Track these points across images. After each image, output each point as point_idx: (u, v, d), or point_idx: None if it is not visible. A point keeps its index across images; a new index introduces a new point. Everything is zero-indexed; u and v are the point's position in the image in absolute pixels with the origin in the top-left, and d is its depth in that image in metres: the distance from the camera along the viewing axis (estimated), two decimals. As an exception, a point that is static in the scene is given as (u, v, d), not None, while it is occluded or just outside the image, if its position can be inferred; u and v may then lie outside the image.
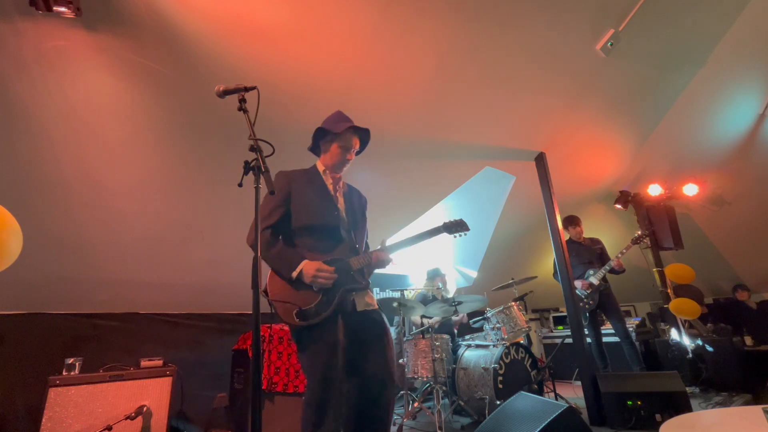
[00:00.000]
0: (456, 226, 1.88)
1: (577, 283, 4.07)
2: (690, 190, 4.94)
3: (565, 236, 4.01)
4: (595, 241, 4.41)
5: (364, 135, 1.87)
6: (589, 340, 4.18)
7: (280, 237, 1.72)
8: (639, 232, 4.25)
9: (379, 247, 1.78)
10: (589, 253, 4.27)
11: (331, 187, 1.82)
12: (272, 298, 1.57)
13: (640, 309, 6.62)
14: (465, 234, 1.90)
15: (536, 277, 4.32)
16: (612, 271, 4.10)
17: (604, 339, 4.15)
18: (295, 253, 1.64)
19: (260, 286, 1.29)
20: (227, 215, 3.11)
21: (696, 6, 3.07)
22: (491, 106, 3.37)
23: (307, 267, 1.57)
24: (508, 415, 2.23)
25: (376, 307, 1.77)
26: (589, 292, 4.07)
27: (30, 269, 2.62)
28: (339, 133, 1.76)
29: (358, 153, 1.88)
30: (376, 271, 1.86)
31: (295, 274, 1.56)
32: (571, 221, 4.40)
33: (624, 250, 4.06)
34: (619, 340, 4.10)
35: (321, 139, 1.84)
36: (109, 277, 3.11)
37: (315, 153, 1.91)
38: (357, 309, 1.67)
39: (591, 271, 4.13)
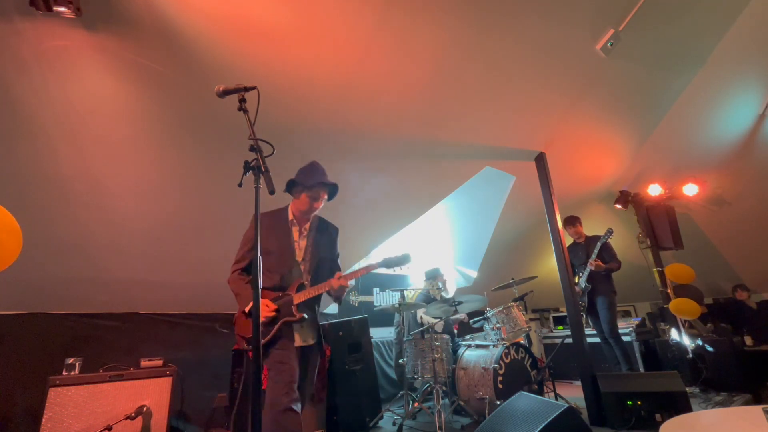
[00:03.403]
0: (396, 262, 2.08)
1: None
2: (690, 190, 4.93)
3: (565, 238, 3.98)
4: (594, 239, 4.25)
5: (332, 188, 2.11)
6: (597, 339, 4.19)
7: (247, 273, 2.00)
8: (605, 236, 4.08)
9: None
10: (585, 254, 4.20)
11: (296, 234, 2.09)
12: (235, 322, 1.98)
13: (640, 309, 6.61)
14: (405, 266, 2.11)
15: (536, 277, 4.31)
16: (609, 271, 4.08)
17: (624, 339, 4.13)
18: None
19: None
20: (227, 215, 3.11)
21: (696, 6, 3.07)
22: (491, 106, 3.37)
23: None
24: (508, 415, 2.23)
25: (313, 342, 2.02)
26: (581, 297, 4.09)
27: (30, 269, 2.63)
28: (309, 186, 2.02)
29: (327, 200, 2.13)
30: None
31: (246, 309, 1.89)
32: (569, 222, 4.34)
33: (595, 250, 4.02)
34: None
35: (294, 186, 2.06)
36: (109, 277, 3.11)
37: (290, 194, 2.11)
38: (295, 344, 1.93)
39: (579, 273, 4.12)
